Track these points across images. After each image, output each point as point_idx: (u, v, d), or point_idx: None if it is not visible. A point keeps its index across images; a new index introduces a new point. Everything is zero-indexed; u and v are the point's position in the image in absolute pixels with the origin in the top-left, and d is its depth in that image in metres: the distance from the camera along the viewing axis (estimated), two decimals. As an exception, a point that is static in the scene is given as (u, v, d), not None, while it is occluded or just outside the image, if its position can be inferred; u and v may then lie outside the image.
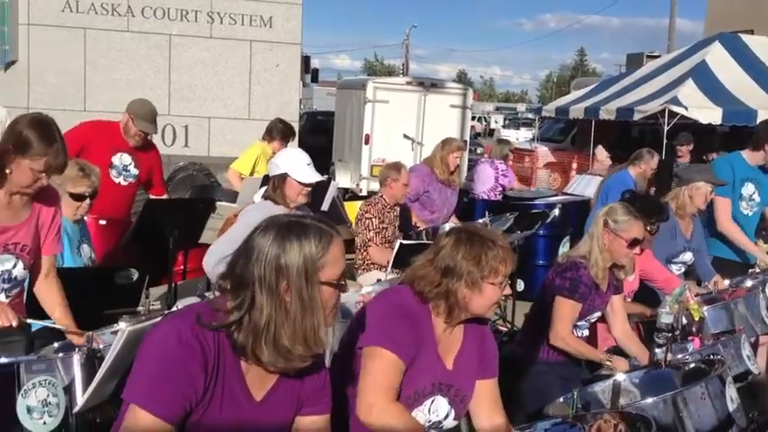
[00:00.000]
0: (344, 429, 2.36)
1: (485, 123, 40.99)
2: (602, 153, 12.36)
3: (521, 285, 7.02)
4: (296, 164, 3.97)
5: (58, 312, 3.08)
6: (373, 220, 5.55)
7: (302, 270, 1.79)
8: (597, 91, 17.18)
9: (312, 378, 1.99)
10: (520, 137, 30.37)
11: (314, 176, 3.99)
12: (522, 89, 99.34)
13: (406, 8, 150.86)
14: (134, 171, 5.36)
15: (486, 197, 8.65)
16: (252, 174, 6.61)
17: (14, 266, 3.04)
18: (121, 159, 5.30)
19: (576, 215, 7.77)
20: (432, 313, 2.42)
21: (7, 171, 2.87)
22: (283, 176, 3.94)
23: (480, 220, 6.18)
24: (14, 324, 2.82)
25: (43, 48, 11.68)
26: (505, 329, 5.98)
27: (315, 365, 1.97)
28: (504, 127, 38.46)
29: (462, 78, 76.21)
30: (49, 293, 3.13)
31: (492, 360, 2.56)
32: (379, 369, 2.29)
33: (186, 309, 1.94)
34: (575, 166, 16.56)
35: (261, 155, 6.83)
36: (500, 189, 8.83)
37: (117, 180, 5.27)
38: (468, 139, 13.39)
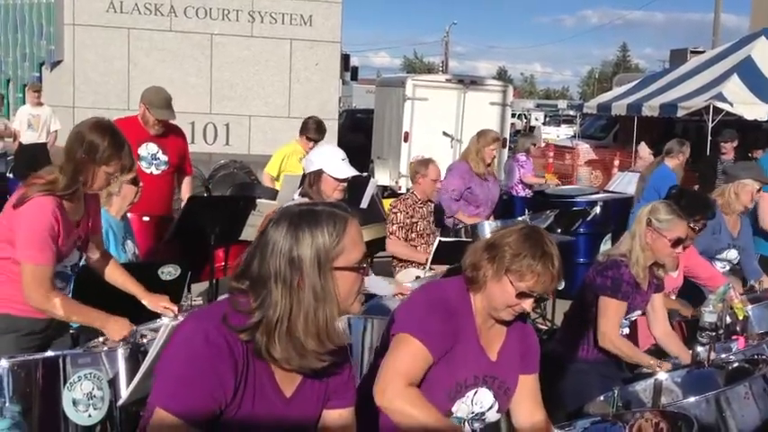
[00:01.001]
0: (374, 422, 2.36)
1: (525, 120, 40.68)
2: (644, 150, 12.18)
3: (561, 284, 6.96)
4: (331, 159, 3.97)
5: (131, 286, 3.31)
6: (399, 214, 5.58)
7: (315, 260, 1.76)
8: (640, 87, 16.97)
9: (337, 372, 1.99)
10: (561, 134, 30.09)
11: (349, 171, 3.99)
12: (564, 86, 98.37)
13: (445, 5, 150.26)
14: (163, 158, 5.37)
15: (514, 192, 8.69)
16: (280, 173, 6.65)
17: (80, 258, 3.22)
18: (148, 149, 5.32)
19: (618, 213, 7.67)
20: (473, 305, 2.42)
21: (81, 179, 2.99)
22: (318, 172, 3.94)
23: (519, 218, 6.15)
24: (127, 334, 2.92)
25: (88, 47, 11.90)
26: (545, 328, 5.94)
27: (339, 360, 1.96)
28: (544, 124, 38.06)
29: (502, 75, 75.72)
30: (119, 272, 3.36)
31: (534, 355, 2.55)
32: (403, 355, 2.29)
33: (211, 308, 1.91)
34: (617, 163, 16.36)
35: (290, 154, 6.86)
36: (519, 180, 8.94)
37: (149, 170, 5.28)
38: (507, 136, 13.33)
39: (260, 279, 1.78)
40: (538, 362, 2.57)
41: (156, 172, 5.34)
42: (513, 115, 27.33)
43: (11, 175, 9.63)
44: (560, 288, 6.68)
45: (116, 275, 3.35)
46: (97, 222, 3.32)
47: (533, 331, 2.62)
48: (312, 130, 6.90)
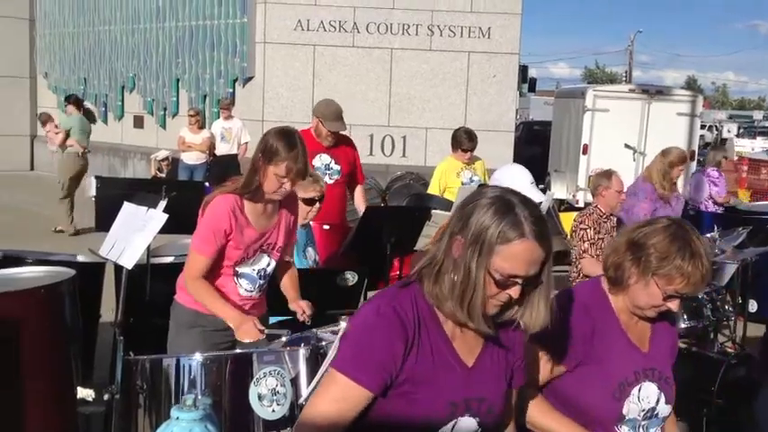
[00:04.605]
0: None
1: (716, 132, 38.36)
2: None
3: (753, 306, 6.50)
4: (520, 182, 3.94)
5: (291, 293, 3.43)
6: (588, 230, 5.39)
7: (476, 239, 1.79)
8: None
9: (517, 345, 2.03)
10: (756, 146, 28.14)
11: (538, 197, 3.95)
12: (760, 95, 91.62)
13: (630, 13, 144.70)
14: (336, 167, 5.58)
15: (702, 208, 8.20)
16: (444, 191, 6.68)
17: (268, 264, 3.35)
18: (321, 160, 5.54)
19: (820, 232, 7.06)
20: (612, 305, 2.36)
21: (257, 179, 3.16)
22: None
23: (708, 235, 5.80)
24: (264, 336, 3.07)
25: (276, 64, 12.57)
26: (734, 351, 5.57)
27: (517, 339, 2.01)
28: (738, 136, 35.68)
29: (691, 85, 71.79)
30: (292, 286, 3.48)
31: (675, 347, 2.50)
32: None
33: (388, 288, 2.02)
34: (819, 178, 15.05)
35: (447, 169, 6.86)
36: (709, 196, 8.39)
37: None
38: (696, 149, 12.66)
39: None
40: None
41: (329, 181, 5.47)
42: (703, 127, 25.91)
43: (207, 184, 10.36)
44: (752, 311, 6.23)
45: (283, 279, 3.50)
46: (292, 236, 3.46)
47: (673, 327, 2.52)
48: (465, 141, 6.88)
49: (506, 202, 1.82)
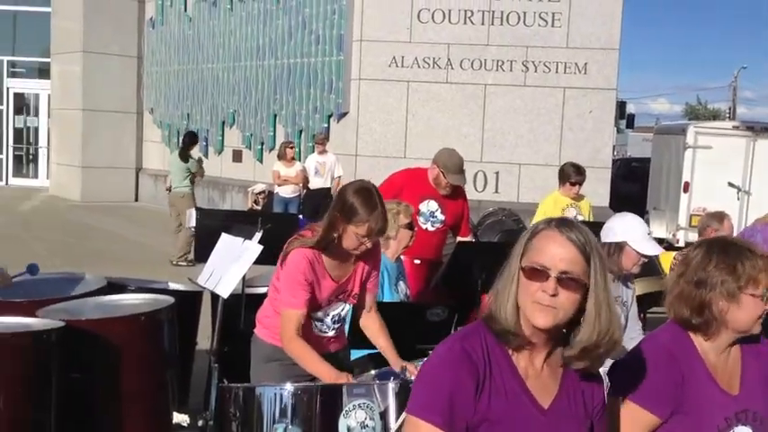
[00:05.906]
0: None
1: (826, 171, 36.55)
2: None
3: None
4: (637, 234, 3.78)
5: (382, 341, 3.36)
6: None
7: (517, 247, 1.94)
8: None
9: (596, 394, 1.99)
10: None
11: (656, 249, 3.81)
12: None
13: (734, 48, 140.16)
14: (440, 217, 5.48)
15: None
16: None
17: (343, 309, 3.38)
18: (428, 206, 5.43)
19: None
20: (697, 348, 2.25)
21: (335, 235, 3.16)
22: (621, 245, 3.74)
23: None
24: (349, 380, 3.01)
25: (371, 100, 12.77)
26: None
27: (597, 382, 1.98)
28: None
29: (799, 121, 68.92)
30: (374, 326, 3.42)
31: None
32: (629, 425, 2.18)
33: (459, 329, 2.04)
34: None
35: (554, 203, 6.77)
36: None
37: (424, 226, 5.40)
38: (804, 188, 12.11)
39: None
40: None
41: (430, 229, 5.45)
42: (812, 165, 24.74)
43: (300, 216, 10.57)
44: None
45: (371, 330, 3.44)
46: (371, 284, 3.43)
47: (762, 347, 2.37)
48: (573, 174, 6.78)
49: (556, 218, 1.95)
